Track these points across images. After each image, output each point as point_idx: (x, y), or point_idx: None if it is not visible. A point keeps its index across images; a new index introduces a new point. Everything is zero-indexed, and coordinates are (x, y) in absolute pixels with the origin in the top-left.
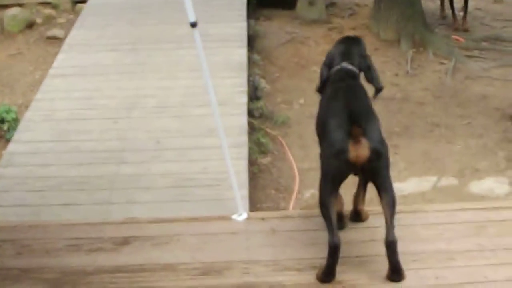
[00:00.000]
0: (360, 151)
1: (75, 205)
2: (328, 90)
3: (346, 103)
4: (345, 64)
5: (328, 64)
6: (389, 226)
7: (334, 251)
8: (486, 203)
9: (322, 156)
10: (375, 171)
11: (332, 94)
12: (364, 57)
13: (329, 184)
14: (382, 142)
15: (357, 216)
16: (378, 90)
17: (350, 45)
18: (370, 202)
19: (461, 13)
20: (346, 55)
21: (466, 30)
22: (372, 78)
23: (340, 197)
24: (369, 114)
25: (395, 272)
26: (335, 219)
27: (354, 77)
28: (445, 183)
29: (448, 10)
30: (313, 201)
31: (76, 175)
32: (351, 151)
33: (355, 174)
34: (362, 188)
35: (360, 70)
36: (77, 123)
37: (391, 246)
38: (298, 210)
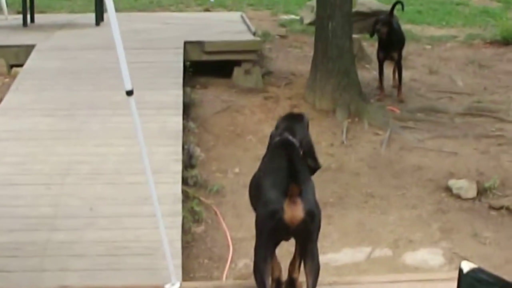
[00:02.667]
0: (296, 212)
1: (7, 272)
2: (266, 155)
3: (283, 164)
4: (287, 134)
5: (273, 135)
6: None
7: None
8: (420, 274)
9: (257, 217)
10: (307, 234)
11: (270, 156)
12: (307, 134)
13: (264, 248)
14: (317, 205)
15: (292, 285)
16: (315, 170)
17: (294, 120)
18: None
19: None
20: (289, 129)
21: (401, 101)
22: (311, 156)
23: (278, 263)
24: (306, 176)
25: None
26: (269, 285)
27: (294, 146)
28: (379, 254)
29: (385, 81)
30: (246, 271)
31: (7, 241)
32: (287, 211)
33: (287, 238)
34: (298, 255)
35: (301, 145)
36: (9, 188)
37: None
38: (232, 280)
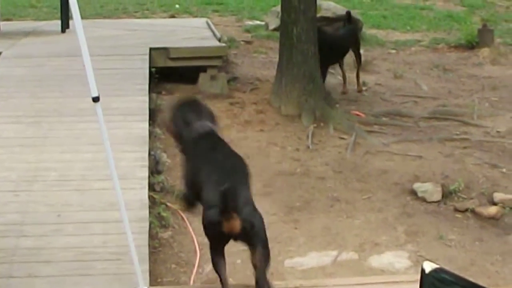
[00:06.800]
0: (232, 225)
1: None
2: (195, 150)
3: (219, 175)
4: (205, 123)
5: (183, 124)
6: (261, 270)
7: None
8: (386, 277)
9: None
10: (250, 238)
11: (202, 156)
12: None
13: (213, 248)
14: (254, 213)
15: None
16: None
17: (198, 106)
18: None
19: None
20: (199, 114)
21: (360, 91)
22: None
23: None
24: (240, 181)
25: None
26: (225, 276)
27: (216, 135)
28: (346, 258)
29: (349, 86)
30: (214, 276)
31: None
32: (224, 225)
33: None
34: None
35: None
36: None
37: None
38: (199, 284)
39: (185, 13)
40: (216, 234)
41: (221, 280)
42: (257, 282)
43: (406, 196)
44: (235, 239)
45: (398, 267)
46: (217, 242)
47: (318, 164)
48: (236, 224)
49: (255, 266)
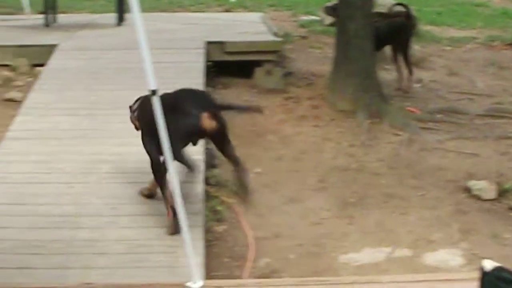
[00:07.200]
0: (211, 124)
1: (30, 268)
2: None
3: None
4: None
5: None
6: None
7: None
8: (440, 274)
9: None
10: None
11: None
12: None
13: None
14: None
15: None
16: None
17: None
18: None
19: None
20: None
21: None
22: None
23: None
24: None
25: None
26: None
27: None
28: (399, 254)
29: (405, 81)
30: (267, 270)
31: (31, 239)
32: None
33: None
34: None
35: None
36: (33, 186)
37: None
38: (253, 278)
39: (240, 7)
40: (195, 133)
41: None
42: (234, 162)
43: (460, 193)
44: (210, 136)
45: (452, 264)
46: (188, 142)
47: (373, 160)
48: (213, 123)
49: (228, 156)
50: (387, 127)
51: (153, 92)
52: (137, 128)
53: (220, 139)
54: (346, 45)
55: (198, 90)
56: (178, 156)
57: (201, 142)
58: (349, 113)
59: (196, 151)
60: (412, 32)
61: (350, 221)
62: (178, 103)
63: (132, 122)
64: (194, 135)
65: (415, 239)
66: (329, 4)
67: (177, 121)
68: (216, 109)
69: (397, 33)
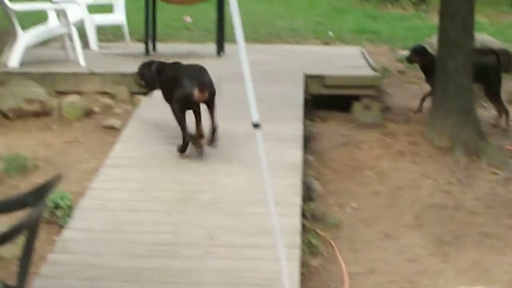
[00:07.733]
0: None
1: None
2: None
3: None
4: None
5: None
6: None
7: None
8: None
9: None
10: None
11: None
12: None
13: (183, 112)
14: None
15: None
16: None
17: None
18: None
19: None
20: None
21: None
22: None
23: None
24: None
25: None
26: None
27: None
28: None
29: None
30: None
31: (127, 266)
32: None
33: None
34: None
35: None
36: (130, 214)
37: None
38: None
39: (338, 40)
40: (190, 102)
41: (184, 128)
42: (212, 120)
43: None
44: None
45: None
46: (187, 108)
47: (470, 199)
48: (203, 96)
49: (210, 114)
50: (484, 165)
51: (255, 125)
52: (139, 85)
53: (209, 105)
54: (445, 82)
55: (196, 65)
56: (179, 117)
57: (298, 176)
58: (446, 150)
59: (291, 185)
60: (500, 74)
61: (445, 259)
62: (178, 77)
63: (136, 81)
64: (189, 103)
65: (511, 279)
66: (417, 45)
67: (176, 91)
68: (206, 85)
69: (485, 73)
